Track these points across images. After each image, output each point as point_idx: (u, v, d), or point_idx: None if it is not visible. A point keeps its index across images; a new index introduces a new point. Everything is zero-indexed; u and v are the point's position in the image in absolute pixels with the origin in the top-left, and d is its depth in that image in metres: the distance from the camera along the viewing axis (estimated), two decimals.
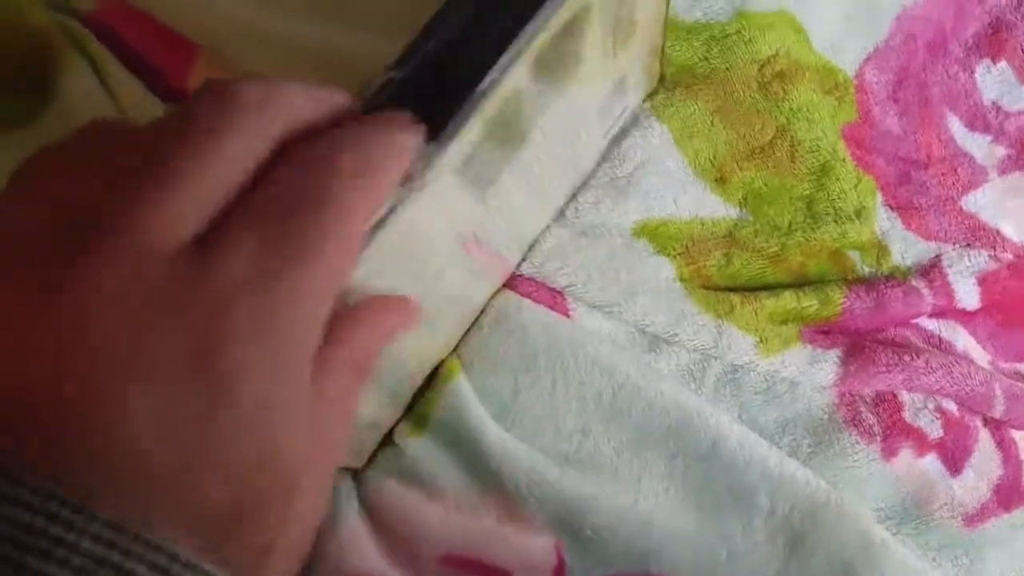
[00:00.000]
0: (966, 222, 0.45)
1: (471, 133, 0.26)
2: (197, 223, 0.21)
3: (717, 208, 0.44)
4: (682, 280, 0.43)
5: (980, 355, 0.45)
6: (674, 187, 0.44)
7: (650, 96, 0.44)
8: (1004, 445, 0.44)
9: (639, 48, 0.39)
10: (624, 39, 0.36)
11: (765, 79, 0.44)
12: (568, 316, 0.42)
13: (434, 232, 0.30)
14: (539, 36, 0.27)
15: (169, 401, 0.19)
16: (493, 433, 0.39)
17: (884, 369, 0.42)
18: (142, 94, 0.41)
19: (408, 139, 0.23)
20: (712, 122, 0.44)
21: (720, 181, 0.44)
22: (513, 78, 0.27)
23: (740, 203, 0.44)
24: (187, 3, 0.43)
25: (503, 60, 0.26)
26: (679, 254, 0.43)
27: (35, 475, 0.18)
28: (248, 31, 0.42)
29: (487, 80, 0.25)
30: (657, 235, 0.43)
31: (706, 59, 0.45)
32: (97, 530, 0.18)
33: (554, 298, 0.42)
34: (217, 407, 0.20)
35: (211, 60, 0.42)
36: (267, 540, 0.21)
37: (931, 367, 0.42)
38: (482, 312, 0.41)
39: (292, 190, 0.21)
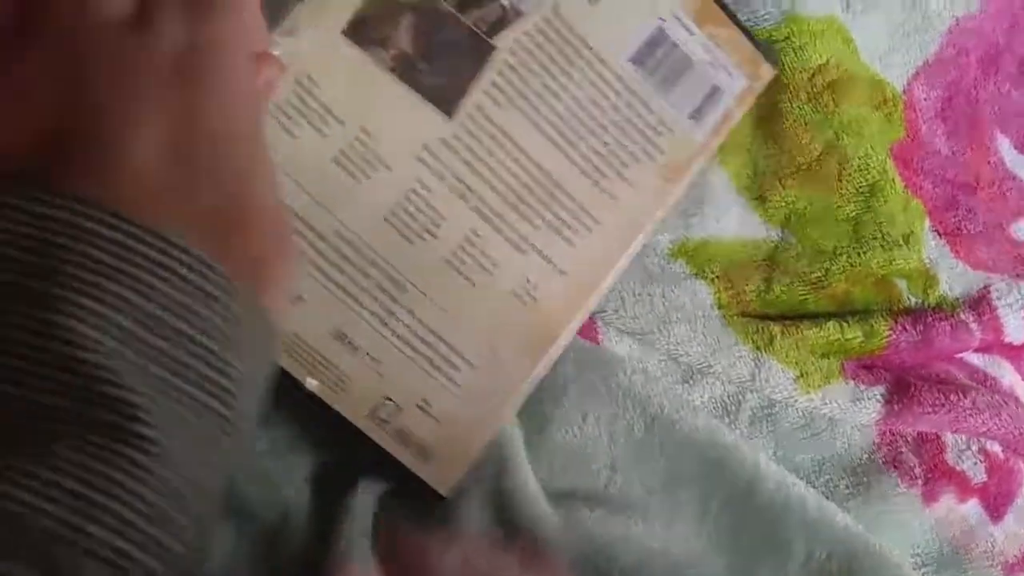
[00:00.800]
0: (1016, 251, 0.43)
1: None
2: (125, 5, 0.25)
3: (759, 229, 0.41)
4: (720, 307, 0.40)
5: None
6: (717, 204, 0.40)
7: None
8: None
9: None
10: None
11: (816, 89, 0.41)
12: (597, 342, 0.39)
13: None
14: None
15: (160, 134, 0.24)
16: (524, 472, 0.35)
17: (930, 409, 0.39)
18: None
19: None
20: (755, 135, 0.41)
21: (761, 199, 0.41)
22: None
23: (782, 224, 0.41)
24: None
25: None
26: (717, 277, 0.40)
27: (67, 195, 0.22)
28: None
29: None
30: (696, 256, 0.40)
31: None
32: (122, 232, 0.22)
33: (584, 324, 0.39)
34: (196, 133, 0.24)
35: None
36: (259, 251, 0.25)
37: (978, 408, 0.40)
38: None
39: None
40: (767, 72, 0.39)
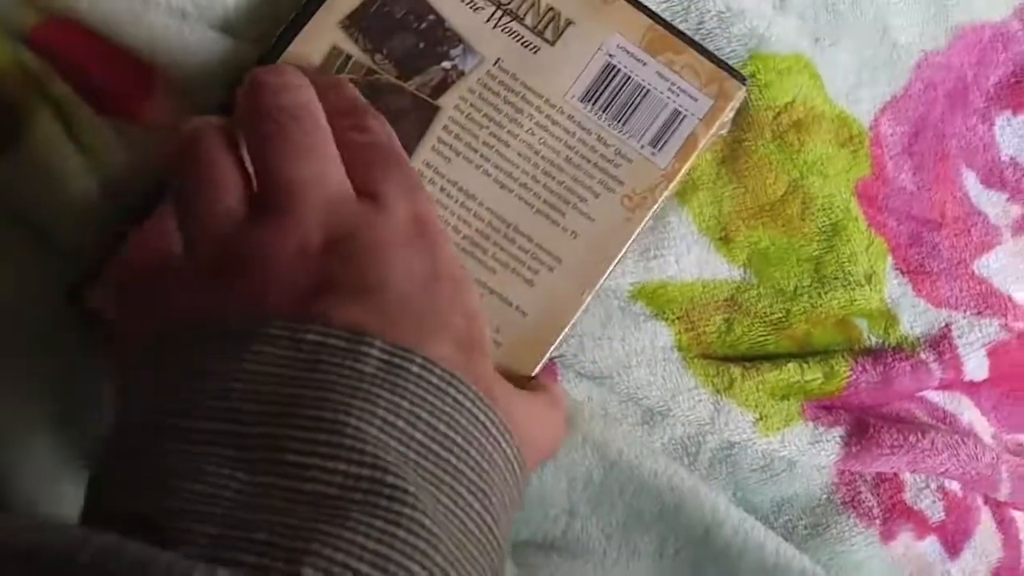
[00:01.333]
0: (978, 287, 0.43)
1: None
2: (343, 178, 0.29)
3: (720, 269, 0.41)
4: (680, 349, 0.40)
5: (984, 427, 0.43)
6: (677, 246, 0.40)
7: None
8: (1005, 525, 0.43)
9: None
10: None
11: (781, 128, 0.41)
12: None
13: None
14: None
15: (415, 274, 0.28)
16: None
17: (888, 451, 0.40)
18: (111, 138, 0.36)
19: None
20: (718, 173, 0.41)
21: (724, 240, 0.41)
22: None
23: (744, 264, 0.41)
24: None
25: None
26: (678, 318, 0.41)
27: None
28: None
29: None
30: (656, 298, 0.40)
31: None
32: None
33: (543, 368, 0.39)
34: (440, 280, 0.28)
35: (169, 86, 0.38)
36: (487, 368, 0.28)
37: (937, 448, 0.40)
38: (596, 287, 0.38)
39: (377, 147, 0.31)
40: (734, 88, 0.38)
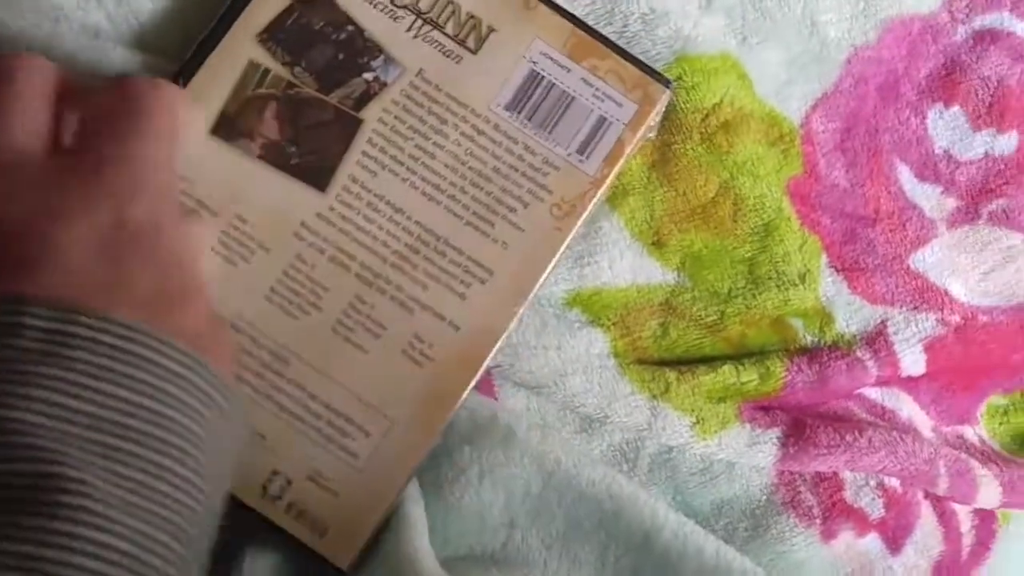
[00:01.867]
0: (914, 282, 0.43)
1: None
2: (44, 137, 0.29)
3: (654, 273, 0.41)
4: (616, 355, 0.40)
5: (923, 421, 0.44)
6: (609, 251, 0.40)
7: None
8: (946, 518, 0.43)
9: None
10: None
11: (709, 130, 0.41)
12: (494, 396, 0.39)
13: None
14: None
15: (96, 237, 0.27)
16: (420, 542, 0.35)
17: (825, 451, 0.40)
18: None
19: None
20: (649, 177, 0.41)
21: (657, 244, 0.41)
22: None
23: (678, 268, 0.41)
24: None
25: None
26: (613, 324, 0.40)
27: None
28: None
29: None
30: (591, 304, 0.40)
31: None
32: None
33: (480, 379, 0.39)
34: (123, 238, 0.27)
35: None
36: (197, 328, 0.28)
37: (874, 446, 0.40)
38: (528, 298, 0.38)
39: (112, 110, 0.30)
40: (659, 92, 0.38)
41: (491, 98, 0.37)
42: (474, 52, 0.37)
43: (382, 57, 0.37)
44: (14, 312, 0.24)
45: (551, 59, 0.38)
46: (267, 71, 0.37)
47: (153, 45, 0.38)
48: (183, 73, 0.36)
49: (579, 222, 0.38)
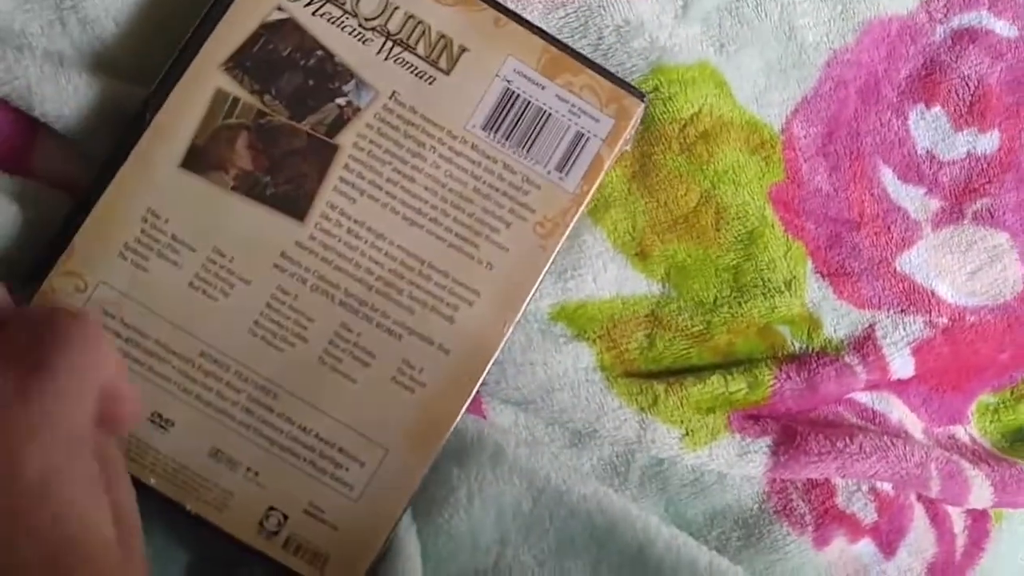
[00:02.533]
0: (900, 285, 0.43)
1: None
2: None
3: (639, 285, 0.41)
4: (603, 368, 0.40)
5: (914, 423, 0.43)
6: (593, 264, 0.40)
7: None
8: (938, 521, 0.43)
9: None
10: None
11: (688, 140, 0.41)
12: (483, 414, 0.39)
13: None
14: None
15: None
16: (413, 568, 0.35)
17: (816, 458, 0.40)
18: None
19: None
20: (630, 189, 0.41)
21: (641, 255, 0.41)
22: None
23: (663, 278, 0.41)
24: None
25: None
26: (599, 337, 0.40)
27: None
28: None
29: None
30: (576, 318, 0.40)
31: None
32: None
33: None
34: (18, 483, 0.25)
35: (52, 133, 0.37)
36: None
37: (865, 451, 0.40)
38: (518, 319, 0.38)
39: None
40: (634, 106, 0.38)
41: (467, 118, 0.37)
42: (447, 73, 0.37)
43: (354, 81, 0.37)
44: None
45: (525, 76, 0.37)
46: (236, 100, 0.36)
47: (118, 70, 0.38)
48: (149, 106, 0.36)
49: (562, 239, 0.37)
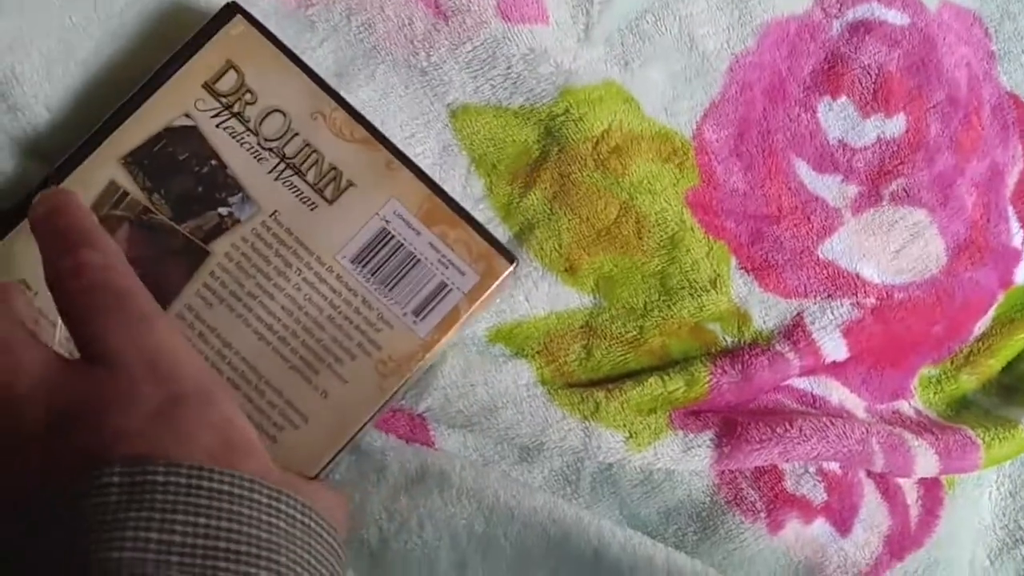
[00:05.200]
0: (824, 271, 0.44)
1: None
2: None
3: (571, 299, 0.42)
4: (543, 383, 0.41)
5: (855, 403, 0.45)
6: (524, 284, 0.42)
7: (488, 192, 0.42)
8: (890, 494, 0.44)
9: None
10: None
11: (601, 156, 0.42)
12: (431, 443, 0.40)
13: None
14: None
15: (153, 417, 0.29)
16: None
17: (758, 446, 0.41)
18: None
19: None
20: (552, 209, 0.42)
21: (570, 271, 0.42)
22: None
23: (593, 290, 0.43)
24: None
25: None
26: (537, 353, 0.42)
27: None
28: None
29: None
30: (513, 337, 0.42)
31: (537, 144, 0.43)
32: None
33: (413, 425, 0.40)
34: (179, 405, 0.30)
35: None
36: (256, 464, 0.30)
37: (805, 434, 0.41)
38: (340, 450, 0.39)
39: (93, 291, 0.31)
40: (502, 266, 0.39)
41: (338, 248, 0.38)
42: (330, 202, 0.39)
43: (240, 195, 0.38)
44: (96, 477, 0.26)
45: (403, 220, 0.39)
46: (125, 193, 0.38)
47: (51, 155, 0.39)
48: (49, 181, 0.37)
49: (402, 382, 0.38)
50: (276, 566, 0.27)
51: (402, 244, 0.38)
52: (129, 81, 0.39)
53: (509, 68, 0.42)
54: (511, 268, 0.39)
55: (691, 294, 0.42)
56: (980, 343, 0.47)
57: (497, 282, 0.39)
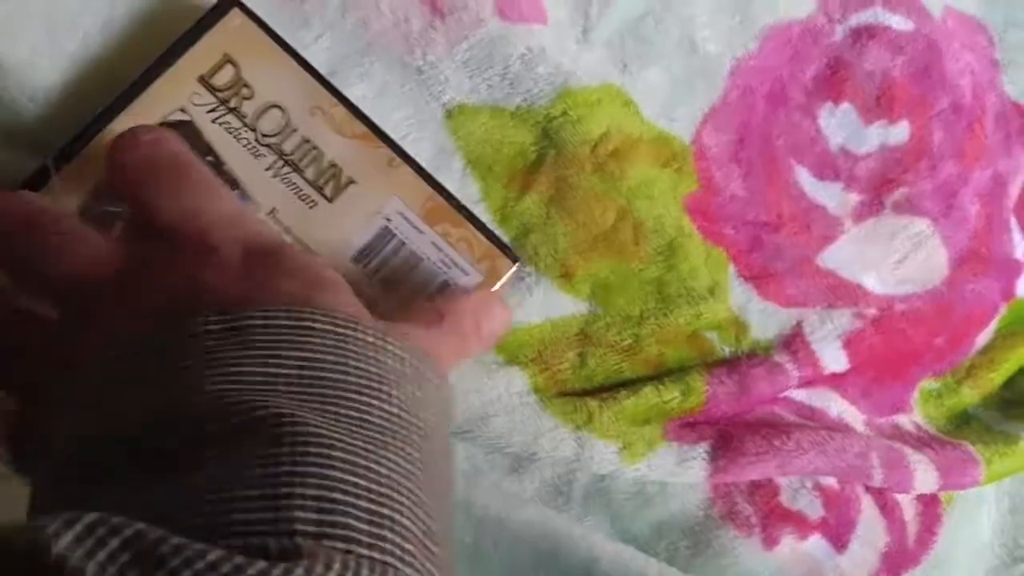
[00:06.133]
0: (825, 281, 0.43)
1: None
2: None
3: (566, 306, 0.41)
4: (536, 391, 0.40)
5: (854, 416, 0.44)
6: (519, 290, 0.41)
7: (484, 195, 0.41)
8: (888, 510, 0.43)
9: None
10: None
11: (599, 160, 0.42)
12: None
13: None
14: None
15: (234, 273, 0.30)
16: None
17: (754, 459, 0.40)
18: None
19: None
20: (548, 213, 0.41)
21: (565, 277, 0.41)
22: None
23: (589, 297, 0.42)
24: None
25: None
26: (531, 360, 0.41)
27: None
28: None
29: None
30: (507, 344, 0.41)
31: (534, 147, 0.42)
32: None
33: None
34: (253, 258, 0.31)
35: None
36: (341, 299, 0.30)
37: (803, 448, 0.40)
38: None
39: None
40: (505, 266, 0.38)
41: (339, 248, 0.37)
42: (330, 200, 0.38)
43: (237, 191, 0.37)
44: (198, 324, 0.27)
45: (406, 219, 0.38)
46: None
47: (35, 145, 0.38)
48: (34, 181, 0.36)
49: None
50: (388, 399, 0.27)
51: (404, 243, 0.38)
52: (122, 74, 0.38)
53: (506, 68, 0.41)
54: (514, 268, 0.38)
55: (688, 302, 0.42)
56: (982, 356, 0.46)
57: (500, 282, 0.38)
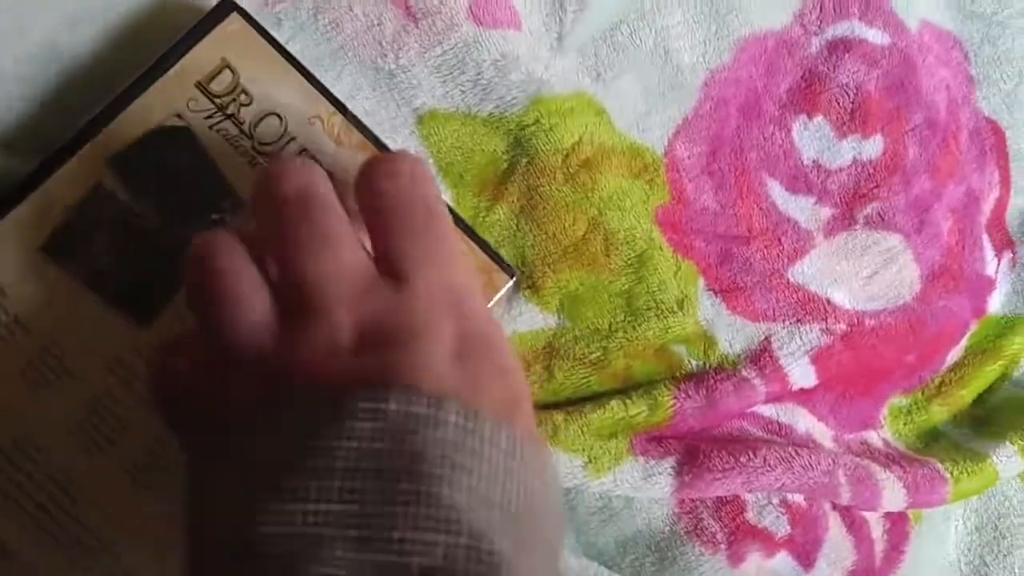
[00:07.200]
0: (794, 295, 0.43)
1: None
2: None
3: (535, 319, 0.41)
4: None
5: (823, 432, 0.44)
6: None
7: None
8: (855, 528, 0.43)
9: None
10: None
11: (571, 169, 0.41)
12: None
13: None
14: None
15: (448, 358, 0.28)
16: None
17: (720, 475, 0.40)
18: None
19: None
20: (518, 224, 0.41)
21: (534, 289, 0.41)
22: None
23: (557, 309, 0.41)
24: None
25: None
26: None
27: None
28: None
29: None
30: None
31: (506, 155, 0.41)
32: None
33: None
34: (468, 350, 0.29)
35: None
36: (529, 414, 0.30)
37: (769, 464, 0.40)
38: None
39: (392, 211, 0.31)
40: (502, 280, 0.38)
41: None
42: None
43: (233, 199, 0.36)
44: (439, 406, 0.26)
45: None
46: (112, 196, 0.35)
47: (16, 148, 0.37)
48: (27, 185, 0.35)
49: None
50: (555, 521, 0.28)
51: None
52: (117, 79, 0.37)
53: (479, 74, 0.41)
54: (511, 282, 0.38)
55: (657, 315, 0.41)
56: (952, 373, 0.46)
57: (497, 296, 0.38)
